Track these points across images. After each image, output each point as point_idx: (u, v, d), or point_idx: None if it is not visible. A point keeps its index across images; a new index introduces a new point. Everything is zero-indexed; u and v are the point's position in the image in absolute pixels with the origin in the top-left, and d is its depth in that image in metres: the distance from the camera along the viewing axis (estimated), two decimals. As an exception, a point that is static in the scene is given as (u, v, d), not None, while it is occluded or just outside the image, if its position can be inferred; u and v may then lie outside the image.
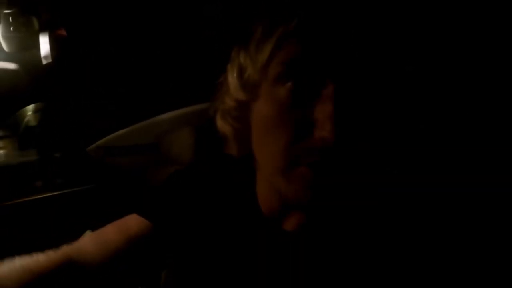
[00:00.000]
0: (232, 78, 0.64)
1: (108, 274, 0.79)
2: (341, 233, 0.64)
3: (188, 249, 0.73)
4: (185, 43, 1.24)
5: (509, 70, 0.85)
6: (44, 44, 0.96)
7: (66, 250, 0.78)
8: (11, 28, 0.88)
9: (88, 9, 1.06)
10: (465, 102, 0.90)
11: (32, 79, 1.01)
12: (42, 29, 0.94)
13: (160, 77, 1.44)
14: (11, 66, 0.97)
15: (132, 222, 0.78)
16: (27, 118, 1.28)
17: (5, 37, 0.89)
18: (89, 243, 0.78)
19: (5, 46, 0.92)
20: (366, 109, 0.57)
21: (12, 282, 0.71)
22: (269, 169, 0.61)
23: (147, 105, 1.46)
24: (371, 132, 0.58)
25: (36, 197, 1.25)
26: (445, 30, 0.86)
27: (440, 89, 0.86)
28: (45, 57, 0.99)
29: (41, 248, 0.81)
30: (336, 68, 0.55)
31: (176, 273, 0.79)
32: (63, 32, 1.02)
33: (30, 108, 1.25)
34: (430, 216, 0.68)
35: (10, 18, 0.86)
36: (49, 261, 0.75)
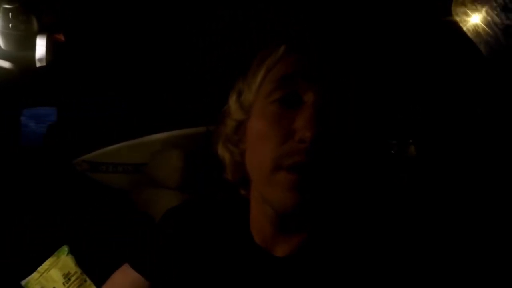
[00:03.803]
0: (232, 101, 0.70)
1: None
2: (333, 259, 0.64)
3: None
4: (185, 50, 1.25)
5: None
6: (41, 46, 0.97)
7: None
8: (10, 25, 0.89)
9: (89, 18, 1.08)
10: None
11: (26, 80, 1.00)
12: (41, 31, 0.95)
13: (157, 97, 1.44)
14: (5, 64, 0.96)
15: (131, 278, 0.79)
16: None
17: (3, 33, 0.89)
18: None
19: (1, 43, 0.92)
20: (350, 112, 0.60)
21: None
22: (257, 178, 0.65)
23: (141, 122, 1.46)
24: (354, 135, 0.61)
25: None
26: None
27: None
28: (40, 60, 0.99)
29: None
30: (319, 78, 0.60)
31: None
32: (61, 37, 1.02)
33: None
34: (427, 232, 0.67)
35: (10, 14, 0.86)
36: None
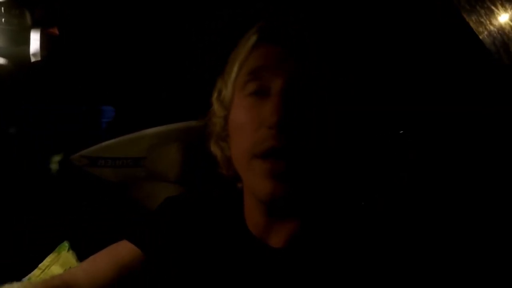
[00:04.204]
0: (214, 100, 0.74)
1: None
2: (328, 251, 0.64)
3: (178, 274, 0.73)
4: (183, 46, 1.24)
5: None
6: (35, 40, 0.95)
7: (54, 281, 0.80)
8: (3, 20, 0.87)
9: (84, 11, 1.06)
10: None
11: (21, 76, 0.98)
12: (34, 25, 0.93)
13: (153, 89, 1.43)
14: (0, 60, 0.95)
15: (124, 250, 0.79)
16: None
17: (-5, 28, 0.88)
18: (78, 274, 0.80)
19: (-6, 38, 0.90)
20: (319, 98, 0.62)
21: None
22: (240, 169, 0.67)
23: (137, 116, 1.44)
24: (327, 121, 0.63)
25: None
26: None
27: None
28: (34, 54, 0.97)
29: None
30: (285, 67, 0.63)
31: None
32: (55, 30, 1.01)
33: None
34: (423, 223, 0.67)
35: (2, 8, 0.84)
36: None
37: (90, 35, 1.14)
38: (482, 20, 0.80)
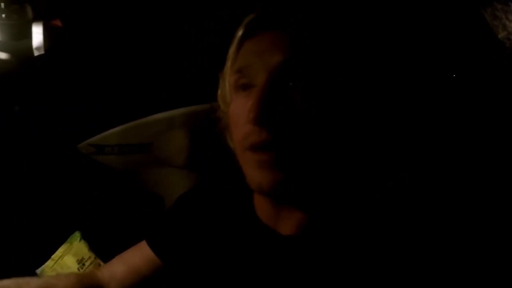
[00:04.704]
0: (218, 98, 0.77)
1: None
2: (336, 242, 0.66)
3: (195, 272, 0.77)
4: (185, 43, 1.22)
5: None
6: (37, 34, 0.92)
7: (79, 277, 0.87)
8: (3, 15, 0.84)
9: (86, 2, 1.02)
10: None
11: (24, 70, 0.96)
12: (36, 18, 0.90)
13: (157, 76, 1.40)
14: (2, 55, 0.92)
15: (145, 252, 0.85)
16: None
17: (-3, 24, 0.85)
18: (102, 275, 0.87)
19: (-4, 34, 0.87)
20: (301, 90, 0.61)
21: None
22: (239, 160, 0.68)
23: (142, 103, 1.42)
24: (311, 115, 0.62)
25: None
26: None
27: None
28: (37, 48, 0.94)
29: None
30: (267, 62, 0.62)
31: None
32: (58, 23, 0.97)
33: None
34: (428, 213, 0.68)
35: (2, 4, 0.81)
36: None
37: (88, 36, 1.11)
38: (497, 14, 0.76)
